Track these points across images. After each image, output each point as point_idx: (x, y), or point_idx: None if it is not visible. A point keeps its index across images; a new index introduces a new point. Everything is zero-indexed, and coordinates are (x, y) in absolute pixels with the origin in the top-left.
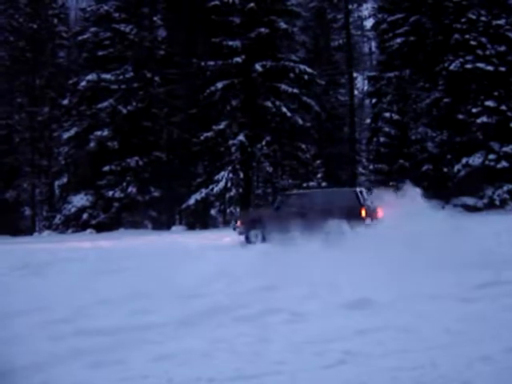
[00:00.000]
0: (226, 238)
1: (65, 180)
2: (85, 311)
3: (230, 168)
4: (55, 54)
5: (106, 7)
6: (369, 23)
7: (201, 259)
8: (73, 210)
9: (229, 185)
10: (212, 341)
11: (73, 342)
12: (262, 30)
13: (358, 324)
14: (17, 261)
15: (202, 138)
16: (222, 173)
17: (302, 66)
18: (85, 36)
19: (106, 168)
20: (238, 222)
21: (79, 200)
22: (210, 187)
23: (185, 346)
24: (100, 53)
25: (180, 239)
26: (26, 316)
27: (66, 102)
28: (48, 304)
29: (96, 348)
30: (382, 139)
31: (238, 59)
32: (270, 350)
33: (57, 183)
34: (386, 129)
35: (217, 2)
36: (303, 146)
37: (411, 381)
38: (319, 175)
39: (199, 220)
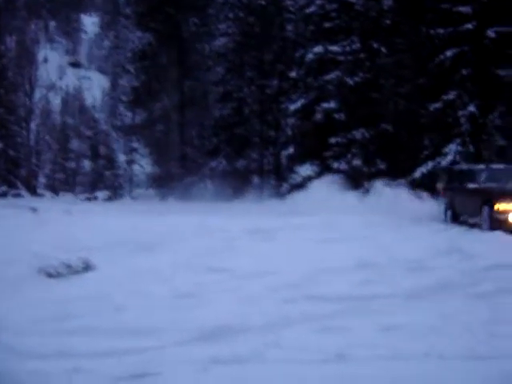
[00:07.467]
0: None
1: (291, 151)
2: (312, 278)
3: (458, 140)
4: (283, 28)
5: None
6: None
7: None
8: (298, 179)
9: (457, 158)
10: (441, 316)
11: (302, 306)
12: None
13: None
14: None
15: (430, 108)
16: (450, 145)
17: None
18: (311, 9)
19: (332, 140)
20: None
21: (305, 170)
22: (437, 160)
23: (412, 318)
24: (326, 25)
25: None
26: (261, 279)
27: (293, 74)
28: (278, 268)
29: (323, 314)
30: None
31: (469, 26)
32: (506, 333)
33: (283, 154)
34: None
35: None
36: None
37: None
38: None
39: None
